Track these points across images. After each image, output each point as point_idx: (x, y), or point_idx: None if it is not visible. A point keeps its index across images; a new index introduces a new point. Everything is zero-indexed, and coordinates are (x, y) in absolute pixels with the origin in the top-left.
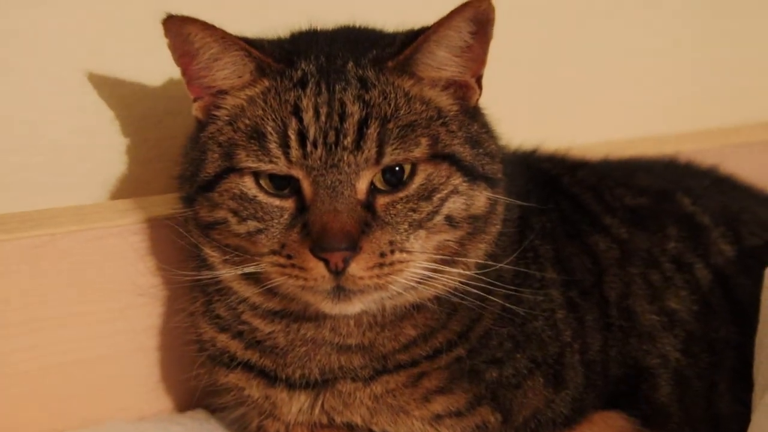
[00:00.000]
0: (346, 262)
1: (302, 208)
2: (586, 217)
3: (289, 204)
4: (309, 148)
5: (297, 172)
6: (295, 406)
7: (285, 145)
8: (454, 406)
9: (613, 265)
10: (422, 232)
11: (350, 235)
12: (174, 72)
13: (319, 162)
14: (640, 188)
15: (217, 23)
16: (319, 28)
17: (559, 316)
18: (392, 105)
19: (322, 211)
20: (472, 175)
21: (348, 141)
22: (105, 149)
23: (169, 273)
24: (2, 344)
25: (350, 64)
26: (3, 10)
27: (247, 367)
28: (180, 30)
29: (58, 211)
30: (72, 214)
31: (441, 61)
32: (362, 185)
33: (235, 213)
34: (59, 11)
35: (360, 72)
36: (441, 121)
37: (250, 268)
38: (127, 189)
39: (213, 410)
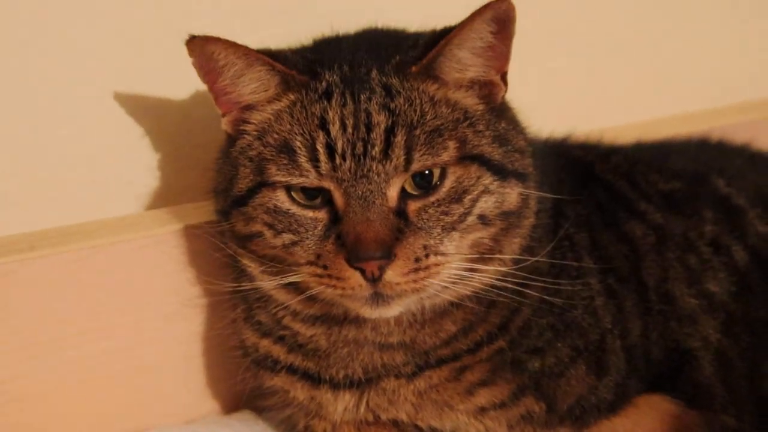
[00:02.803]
0: (382, 269)
1: (335, 218)
2: (621, 204)
3: (322, 215)
4: (338, 160)
5: (328, 184)
6: (341, 405)
7: (314, 159)
8: (498, 397)
9: (650, 251)
10: (456, 234)
11: (384, 244)
12: (201, 84)
13: (348, 173)
14: (674, 172)
15: (240, 33)
16: (341, 34)
17: (598, 303)
18: (418, 111)
19: (355, 222)
20: (502, 173)
21: (376, 151)
22: (137, 162)
23: (209, 282)
24: (49, 358)
25: (374, 72)
26: (35, 35)
27: (291, 370)
28: (203, 50)
29: (97, 224)
30: (112, 226)
31: (464, 63)
32: (393, 193)
33: (270, 226)
34: (86, 33)
35: (384, 79)
36: (468, 122)
37: (289, 279)
38: (163, 200)
39: (260, 411)
